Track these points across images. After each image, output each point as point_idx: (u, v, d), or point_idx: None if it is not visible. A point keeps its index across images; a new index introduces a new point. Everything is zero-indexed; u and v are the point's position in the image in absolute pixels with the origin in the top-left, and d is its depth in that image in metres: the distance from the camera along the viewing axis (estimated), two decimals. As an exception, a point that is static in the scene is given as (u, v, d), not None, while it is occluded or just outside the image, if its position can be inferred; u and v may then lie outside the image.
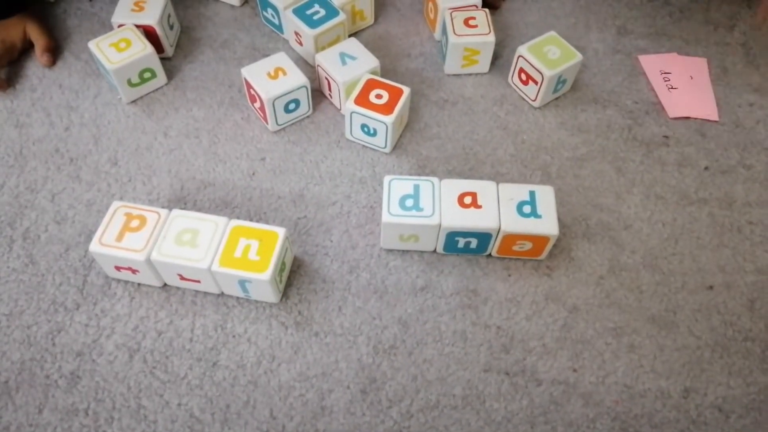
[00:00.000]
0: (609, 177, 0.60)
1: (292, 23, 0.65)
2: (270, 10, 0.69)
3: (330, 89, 0.63)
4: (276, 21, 0.69)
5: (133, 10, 0.65)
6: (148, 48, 0.61)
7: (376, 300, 0.52)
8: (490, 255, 0.54)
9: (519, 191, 0.52)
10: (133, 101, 0.64)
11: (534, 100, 0.65)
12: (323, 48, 0.64)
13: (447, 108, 0.65)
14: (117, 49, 0.61)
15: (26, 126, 0.62)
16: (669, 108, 0.65)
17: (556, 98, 0.66)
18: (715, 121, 0.65)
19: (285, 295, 0.52)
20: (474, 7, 0.67)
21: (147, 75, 0.63)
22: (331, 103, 0.65)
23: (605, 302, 0.53)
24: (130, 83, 0.63)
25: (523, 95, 0.66)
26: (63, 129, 0.62)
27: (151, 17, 0.64)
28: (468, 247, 0.53)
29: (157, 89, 0.65)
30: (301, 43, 0.67)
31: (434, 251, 0.55)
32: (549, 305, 0.52)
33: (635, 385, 0.48)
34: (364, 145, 0.62)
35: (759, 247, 0.56)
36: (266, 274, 0.47)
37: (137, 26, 0.63)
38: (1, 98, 0.64)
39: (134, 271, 0.50)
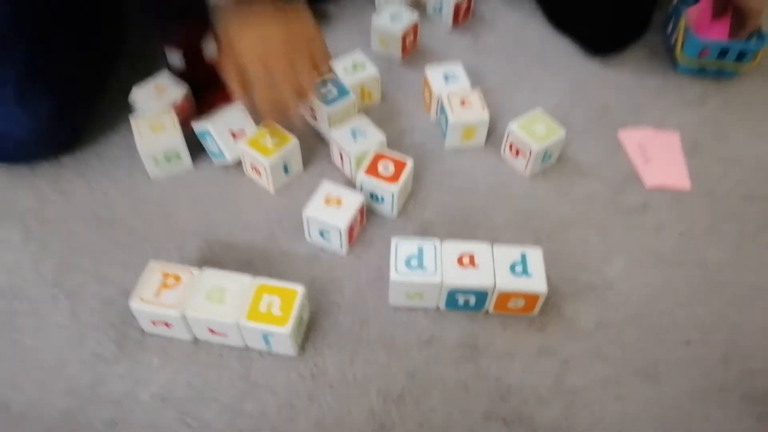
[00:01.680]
0: (593, 241, 0.67)
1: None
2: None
3: (342, 161, 0.71)
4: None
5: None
6: (178, 133, 0.69)
7: (385, 352, 0.57)
8: (487, 312, 0.60)
9: (511, 253, 0.59)
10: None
11: (524, 171, 0.72)
12: (336, 123, 0.72)
13: (447, 178, 0.72)
14: (151, 129, 0.69)
15: (69, 193, 0.69)
16: (646, 178, 0.73)
17: (544, 169, 0.74)
18: (687, 189, 0.72)
19: (302, 347, 0.57)
20: (467, 89, 0.75)
21: (173, 157, 0.71)
22: (343, 173, 0.72)
23: (593, 356, 0.58)
24: (156, 161, 0.70)
25: (514, 166, 0.73)
26: (102, 195, 0.69)
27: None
28: (467, 304, 0.59)
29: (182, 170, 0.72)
30: (315, 118, 0.75)
31: (437, 308, 0.60)
32: (542, 358, 0.58)
33: None
34: (372, 212, 0.68)
35: (731, 305, 0.62)
36: (287, 328, 0.53)
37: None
38: (47, 168, 0.71)
39: (168, 326, 0.56)
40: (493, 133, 0.76)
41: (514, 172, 0.73)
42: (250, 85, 0.60)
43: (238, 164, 0.71)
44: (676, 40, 0.86)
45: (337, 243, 0.63)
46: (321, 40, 0.62)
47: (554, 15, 0.92)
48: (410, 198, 0.70)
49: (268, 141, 0.67)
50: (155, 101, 0.71)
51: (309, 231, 0.64)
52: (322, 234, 0.63)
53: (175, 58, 0.72)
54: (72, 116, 0.72)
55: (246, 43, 0.59)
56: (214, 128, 0.68)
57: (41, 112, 0.67)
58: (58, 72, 0.69)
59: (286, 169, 0.69)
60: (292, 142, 0.68)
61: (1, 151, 0.69)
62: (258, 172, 0.69)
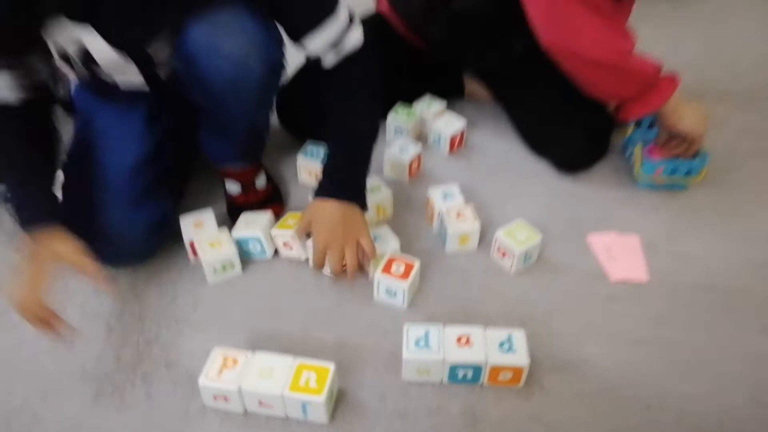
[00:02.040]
0: (570, 325, 0.81)
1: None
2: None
3: (362, 259, 0.87)
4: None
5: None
6: (233, 248, 0.87)
7: (400, 421, 0.71)
8: (482, 384, 0.74)
9: (500, 334, 0.73)
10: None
11: (510, 269, 0.89)
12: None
13: (448, 276, 0.89)
14: (210, 245, 0.87)
15: (143, 296, 0.86)
16: (611, 273, 0.89)
17: (527, 267, 0.90)
18: (645, 281, 0.87)
19: (332, 416, 0.71)
20: (462, 204, 0.93)
21: (228, 266, 0.88)
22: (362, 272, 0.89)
23: (572, 420, 0.71)
24: (215, 270, 0.87)
25: (502, 266, 0.90)
26: (170, 298, 0.86)
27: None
28: (466, 377, 0.73)
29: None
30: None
31: (442, 382, 0.74)
32: (530, 424, 0.70)
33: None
34: (387, 304, 0.84)
35: (684, 375, 0.75)
36: (321, 397, 0.67)
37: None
38: (124, 275, 0.89)
39: (227, 399, 0.70)
40: (484, 239, 0.93)
41: (502, 270, 0.89)
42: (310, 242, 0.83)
43: (274, 260, 0.89)
44: (634, 161, 1.05)
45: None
46: (367, 234, 0.81)
47: (533, 142, 1.12)
48: (418, 292, 0.86)
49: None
50: (191, 229, 0.90)
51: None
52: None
53: (233, 186, 0.92)
54: (171, 224, 0.90)
55: (319, 221, 0.80)
56: (263, 233, 0.87)
57: (155, 218, 0.86)
58: (171, 183, 0.89)
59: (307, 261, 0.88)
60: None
61: (108, 256, 0.83)
62: (290, 246, 0.89)
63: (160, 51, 0.76)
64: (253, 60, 0.72)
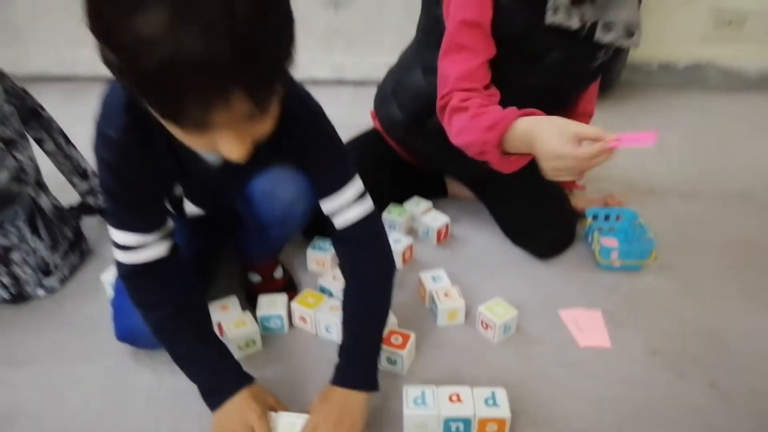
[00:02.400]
0: (546, 385, 0.95)
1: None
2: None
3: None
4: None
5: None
6: (256, 327, 1.01)
7: (403, 469, 0.82)
8: (472, 436, 0.86)
9: (485, 392, 0.87)
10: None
11: (493, 340, 1.03)
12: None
13: (440, 346, 1.03)
14: (235, 326, 1.02)
15: (179, 372, 0.99)
16: (580, 341, 1.03)
17: (507, 338, 1.04)
18: (609, 347, 1.02)
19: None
20: (449, 286, 1.09)
21: (251, 343, 1.02)
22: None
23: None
24: (239, 347, 1.01)
25: (486, 336, 1.04)
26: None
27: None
28: (458, 430, 0.85)
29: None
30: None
31: (438, 436, 0.86)
32: (514, 469, 0.82)
33: None
34: (388, 371, 0.97)
35: (646, 428, 0.88)
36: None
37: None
38: (162, 352, 1.02)
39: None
40: (469, 315, 1.08)
41: (486, 340, 1.04)
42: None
43: (289, 335, 1.04)
44: (594, 247, 1.23)
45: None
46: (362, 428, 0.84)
47: (511, 234, 1.30)
48: (414, 360, 1.00)
49: None
50: (218, 312, 1.04)
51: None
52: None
53: (255, 276, 1.09)
54: None
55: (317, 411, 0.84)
56: (284, 311, 1.03)
57: None
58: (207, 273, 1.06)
59: (327, 330, 1.02)
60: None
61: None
62: (305, 320, 1.04)
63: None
64: (298, 204, 0.92)
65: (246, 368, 0.94)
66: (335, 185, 0.85)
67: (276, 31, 0.56)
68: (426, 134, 1.22)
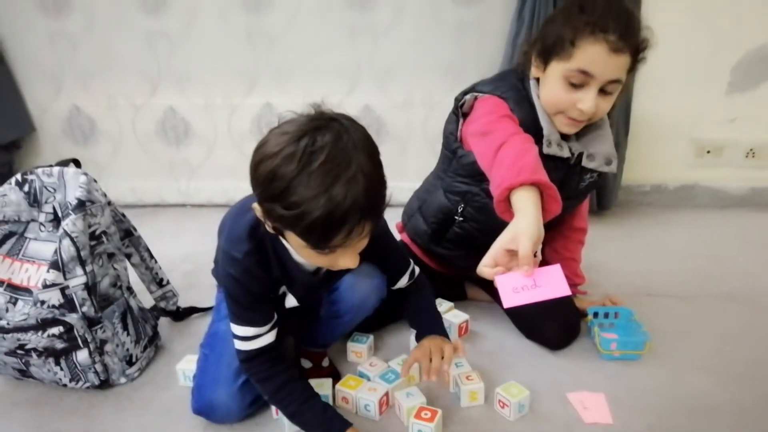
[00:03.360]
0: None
1: (377, 383, 1.26)
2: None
3: (399, 410, 1.19)
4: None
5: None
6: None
7: None
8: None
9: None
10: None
11: (510, 417, 1.20)
12: (397, 389, 1.23)
13: (464, 423, 1.19)
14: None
15: None
16: (585, 418, 1.19)
17: (522, 415, 1.21)
18: (611, 423, 1.18)
19: None
20: (470, 371, 1.28)
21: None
22: (399, 420, 1.20)
23: None
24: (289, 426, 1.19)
25: (502, 414, 1.21)
26: (259, 442, 1.16)
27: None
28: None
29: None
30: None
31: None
32: None
33: None
34: (420, 444, 1.14)
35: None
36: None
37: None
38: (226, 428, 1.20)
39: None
40: (488, 397, 1.25)
41: (503, 417, 1.20)
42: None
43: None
44: (596, 340, 1.42)
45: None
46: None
47: (524, 329, 1.50)
48: (442, 434, 1.16)
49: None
50: None
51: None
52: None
53: (307, 363, 1.29)
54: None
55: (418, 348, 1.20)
56: (330, 393, 1.21)
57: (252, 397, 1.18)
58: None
59: (366, 408, 1.20)
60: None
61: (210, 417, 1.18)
62: (347, 401, 1.22)
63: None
64: (373, 295, 1.21)
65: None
66: (400, 272, 1.25)
67: (382, 182, 0.92)
68: (447, 242, 1.47)
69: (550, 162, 1.28)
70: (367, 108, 2.29)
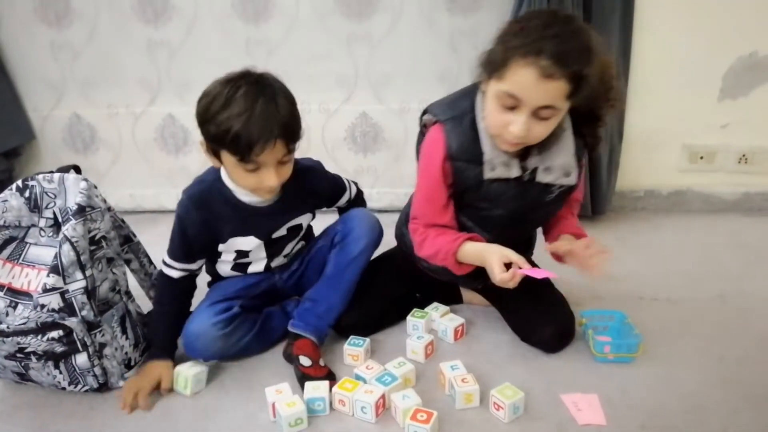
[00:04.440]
0: (549, 454, 1.12)
1: (373, 385, 1.28)
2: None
3: (396, 412, 1.20)
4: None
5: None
6: (304, 407, 1.21)
7: None
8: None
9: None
10: (291, 429, 1.21)
11: (505, 419, 1.21)
12: (393, 392, 1.24)
13: (459, 424, 1.21)
14: (287, 405, 1.22)
15: None
16: (578, 419, 1.21)
17: (516, 417, 1.22)
18: (604, 424, 1.19)
19: None
20: (465, 373, 1.29)
21: (300, 421, 1.21)
22: (396, 422, 1.21)
23: None
24: (289, 425, 1.20)
25: (498, 416, 1.22)
26: None
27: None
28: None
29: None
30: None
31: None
32: None
33: None
34: (415, 444, 1.15)
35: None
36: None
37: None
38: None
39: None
40: (483, 400, 1.27)
41: (498, 419, 1.22)
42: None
43: (330, 416, 1.23)
44: (589, 343, 1.43)
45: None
46: None
47: (519, 332, 1.50)
48: (437, 436, 1.18)
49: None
50: (274, 394, 1.25)
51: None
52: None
53: (306, 360, 1.31)
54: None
55: None
56: (327, 395, 1.22)
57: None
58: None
59: (363, 410, 1.21)
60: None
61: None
62: (344, 403, 1.23)
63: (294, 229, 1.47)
64: (375, 221, 1.52)
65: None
66: (339, 195, 1.59)
67: (296, 112, 1.26)
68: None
69: (501, 183, 1.30)
70: (364, 115, 2.32)
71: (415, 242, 1.40)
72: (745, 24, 2.11)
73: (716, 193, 2.36)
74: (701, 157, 2.32)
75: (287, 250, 1.49)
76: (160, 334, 1.39)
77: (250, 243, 1.41)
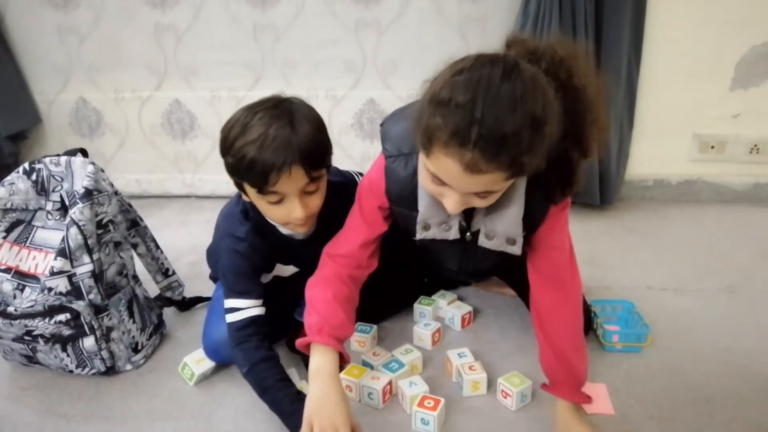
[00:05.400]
0: (557, 442, 1.11)
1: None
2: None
3: (403, 399, 1.20)
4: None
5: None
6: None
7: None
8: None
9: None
10: None
11: (512, 407, 1.21)
12: (401, 378, 1.25)
13: (466, 412, 1.20)
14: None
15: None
16: (586, 408, 1.20)
17: (524, 405, 1.22)
18: (612, 414, 1.19)
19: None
20: (473, 361, 1.29)
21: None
22: (402, 409, 1.21)
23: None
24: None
25: (506, 404, 1.22)
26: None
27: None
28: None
29: None
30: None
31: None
32: None
33: None
34: (422, 431, 1.15)
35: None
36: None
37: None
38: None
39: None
40: (491, 387, 1.26)
41: (505, 407, 1.22)
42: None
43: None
44: (598, 333, 1.43)
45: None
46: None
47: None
48: (444, 423, 1.17)
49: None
50: None
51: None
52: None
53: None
54: None
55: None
56: None
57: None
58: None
59: (369, 396, 1.22)
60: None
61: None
62: (350, 389, 1.23)
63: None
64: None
65: None
66: None
67: (318, 137, 1.11)
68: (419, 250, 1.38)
69: (439, 240, 1.14)
70: (371, 101, 2.30)
71: (312, 278, 1.22)
72: (758, 13, 2.07)
73: (726, 184, 2.33)
74: (712, 147, 2.30)
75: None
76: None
77: (289, 270, 1.38)
